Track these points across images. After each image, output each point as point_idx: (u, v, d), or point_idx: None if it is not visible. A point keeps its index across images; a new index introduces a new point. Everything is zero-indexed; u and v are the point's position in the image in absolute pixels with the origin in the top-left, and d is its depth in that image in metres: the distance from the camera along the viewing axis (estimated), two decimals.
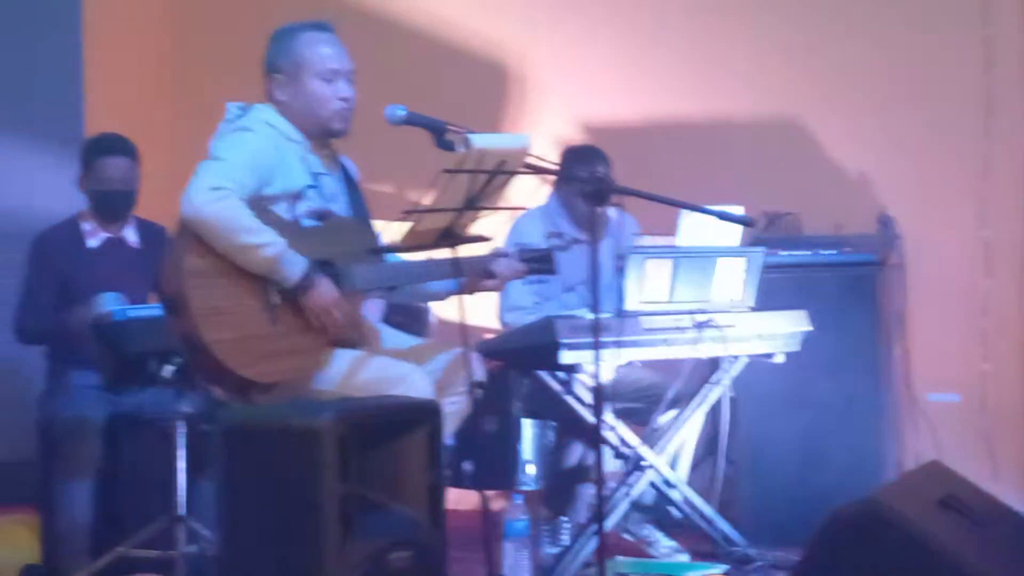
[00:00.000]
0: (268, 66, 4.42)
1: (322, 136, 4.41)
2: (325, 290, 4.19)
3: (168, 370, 4.74)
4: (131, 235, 5.46)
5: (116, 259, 5.38)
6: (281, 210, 4.28)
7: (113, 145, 5.41)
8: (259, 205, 4.19)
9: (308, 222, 4.32)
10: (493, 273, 4.47)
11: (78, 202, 5.45)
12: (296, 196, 4.31)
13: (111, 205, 5.39)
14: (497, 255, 4.51)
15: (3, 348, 5.51)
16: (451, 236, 4.18)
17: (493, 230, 4.38)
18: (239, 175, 4.14)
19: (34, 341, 5.39)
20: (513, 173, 4.13)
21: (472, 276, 4.45)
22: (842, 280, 5.50)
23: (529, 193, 4.28)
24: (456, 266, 4.30)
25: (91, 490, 5.01)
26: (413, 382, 4.18)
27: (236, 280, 4.12)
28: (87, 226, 5.41)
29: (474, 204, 4.14)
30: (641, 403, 5.33)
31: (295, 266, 4.15)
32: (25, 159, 6.16)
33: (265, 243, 4.11)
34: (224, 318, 4.09)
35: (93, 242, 5.40)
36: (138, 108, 6.20)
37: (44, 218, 5.54)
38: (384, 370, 4.24)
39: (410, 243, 4.19)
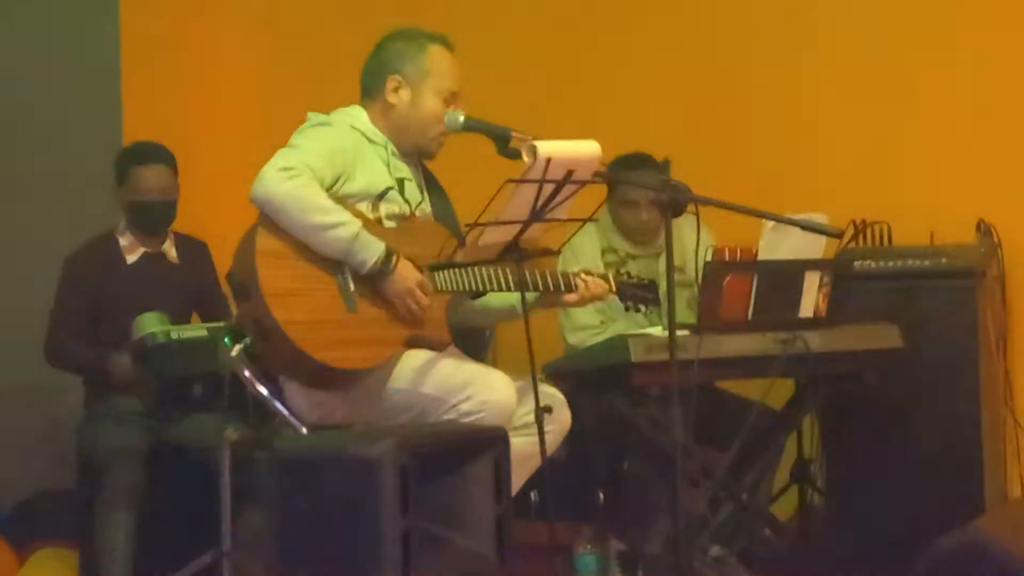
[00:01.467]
0: (386, 65, 4.51)
1: (412, 151, 4.52)
2: (407, 272, 4.24)
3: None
4: (171, 250, 5.51)
5: (155, 276, 5.43)
6: (362, 210, 4.35)
7: (150, 153, 5.45)
8: (339, 198, 4.27)
9: (388, 224, 4.39)
10: (574, 288, 4.48)
11: (114, 217, 5.51)
12: (379, 197, 4.38)
13: (150, 217, 5.43)
14: (584, 272, 4.55)
15: (40, 372, 5.57)
16: (516, 250, 4.21)
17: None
18: (314, 162, 4.23)
19: (64, 368, 5.45)
20: (583, 183, 4.16)
21: (553, 291, 4.48)
22: (937, 293, 5.46)
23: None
24: (545, 279, 4.36)
25: (133, 522, 5.07)
26: (492, 384, 4.24)
27: (311, 263, 4.20)
28: (124, 241, 5.45)
29: (541, 216, 4.17)
30: (721, 427, 5.33)
31: (372, 249, 4.20)
32: (65, 172, 6.26)
33: (339, 222, 4.17)
34: (297, 300, 4.17)
35: (131, 258, 5.44)
36: (175, 120, 6.25)
37: (83, 233, 5.61)
38: (462, 367, 4.31)
39: (472, 258, 4.23)
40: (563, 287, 4.48)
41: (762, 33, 6.32)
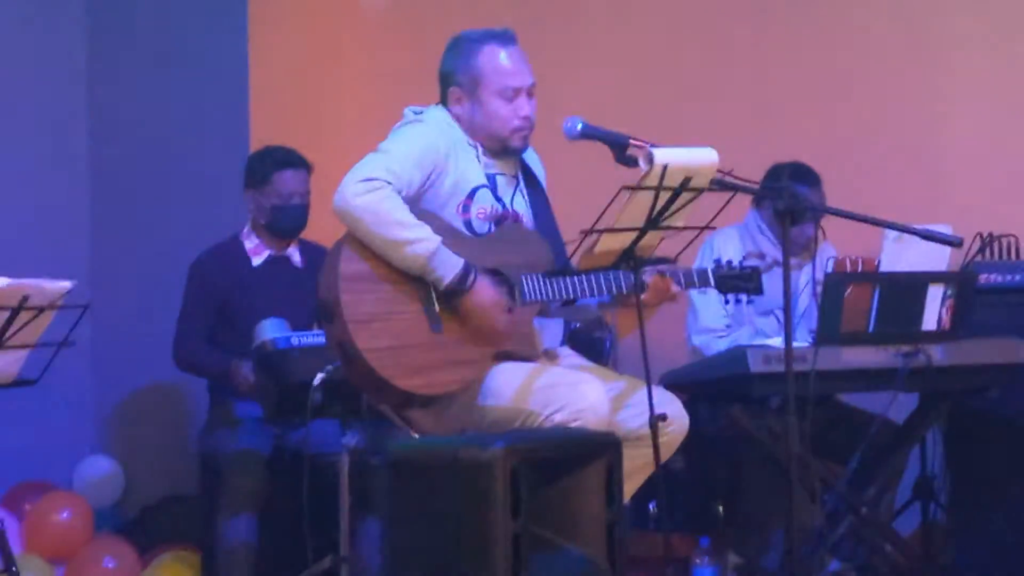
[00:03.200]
0: (444, 76, 4.46)
1: (499, 149, 4.44)
2: (484, 291, 4.19)
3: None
4: (295, 255, 5.56)
5: (280, 279, 5.48)
6: (451, 209, 4.32)
7: (291, 158, 5.50)
8: (423, 211, 4.24)
9: (480, 225, 4.36)
10: (645, 286, 4.35)
11: (243, 220, 5.58)
12: (469, 196, 4.35)
13: (291, 221, 5.48)
14: (659, 269, 4.38)
15: (164, 377, 5.65)
16: (632, 258, 4.19)
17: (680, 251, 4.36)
18: (401, 168, 4.19)
19: (191, 372, 5.52)
20: (700, 190, 4.13)
21: (626, 288, 4.34)
22: None
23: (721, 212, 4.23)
24: (617, 280, 4.28)
25: (255, 526, 5.12)
26: (584, 392, 4.16)
27: (396, 285, 4.17)
28: (250, 244, 5.52)
29: (657, 224, 4.15)
30: (841, 440, 5.28)
31: (450, 266, 4.16)
32: (193, 173, 6.35)
33: (417, 239, 4.13)
34: (380, 325, 4.14)
35: (257, 260, 5.51)
36: (300, 126, 6.31)
37: (210, 235, 5.70)
38: (553, 377, 4.24)
39: (588, 265, 4.21)
40: (634, 288, 4.39)
41: (892, 40, 6.25)
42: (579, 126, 4.32)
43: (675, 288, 4.39)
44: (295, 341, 4.92)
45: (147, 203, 6.39)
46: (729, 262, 4.67)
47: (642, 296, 4.27)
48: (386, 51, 6.93)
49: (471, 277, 4.18)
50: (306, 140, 5.79)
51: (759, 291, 4.57)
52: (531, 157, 4.58)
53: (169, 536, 5.88)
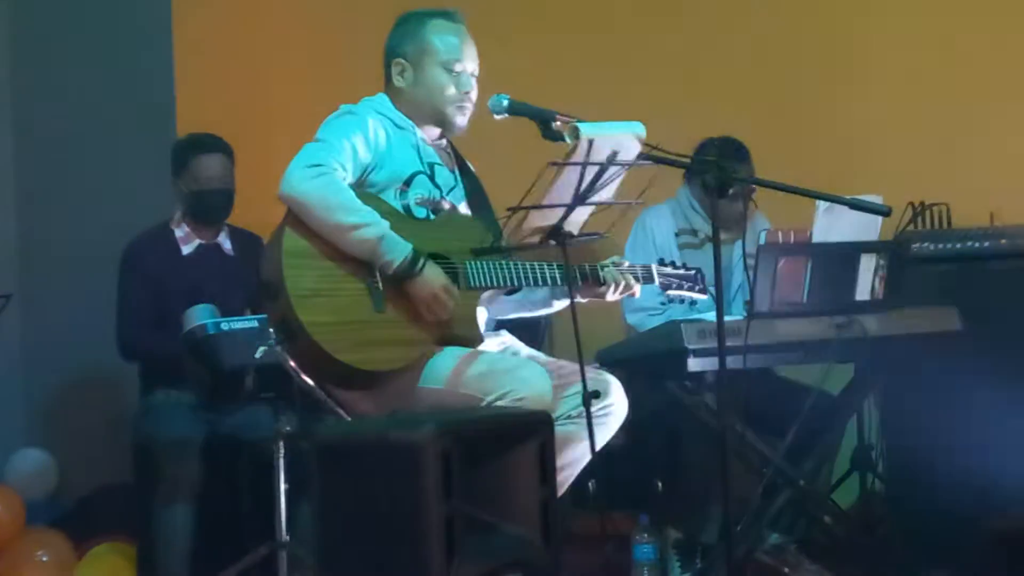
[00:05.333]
0: (390, 51, 4.47)
1: (438, 125, 4.45)
2: (433, 276, 4.18)
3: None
4: (226, 242, 5.52)
5: (211, 267, 5.45)
6: (389, 198, 4.31)
7: (209, 142, 5.48)
8: (366, 194, 4.23)
9: (419, 210, 4.34)
10: (604, 282, 4.44)
11: (170, 207, 5.53)
12: (406, 183, 4.34)
13: (211, 206, 5.45)
14: (615, 264, 4.47)
15: (94, 366, 5.60)
16: (560, 234, 4.16)
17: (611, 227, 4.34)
18: (340, 155, 4.19)
19: (140, 359, 5.46)
20: (627, 165, 4.11)
21: (587, 284, 4.43)
22: (997, 275, 5.39)
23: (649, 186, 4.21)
24: (578, 273, 4.31)
25: (190, 515, 5.08)
26: (526, 378, 4.16)
27: (339, 263, 4.15)
28: (180, 232, 5.47)
29: (585, 199, 4.12)
30: (778, 413, 5.27)
31: (398, 250, 4.15)
32: (120, 163, 6.28)
33: (365, 223, 4.12)
34: (323, 300, 4.12)
35: (187, 249, 5.46)
36: (227, 114, 6.26)
37: (140, 224, 5.63)
38: (491, 363, 4.23)
39: (515, 242, 4.18)
40: (594, 280, 4.41)
41: (818, 12, 6.25)
42: (505, 102, 4.30)
43: (636, 285, 4.46)
44: (225, 327, 4.88)
45: (76, 191, 6.32)
46: (673, 261, 4.70)
47: (600, 290, 4.40)
48: (316, 37, 6.89)
49: (421, 261, 4.17)
50: (233, 128, 5.74)
51: (704, 292, 4.58)
52: (469, 167, 4.59)
53: (105, 527, 5.82)
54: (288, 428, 4.75)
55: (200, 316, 4.91)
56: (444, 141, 4.53)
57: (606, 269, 4.44)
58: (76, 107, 6.37)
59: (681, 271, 4.64)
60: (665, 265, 4.62)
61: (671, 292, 4.61)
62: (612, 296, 4.49)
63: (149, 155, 5.95)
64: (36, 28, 6.50)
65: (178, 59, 6.32)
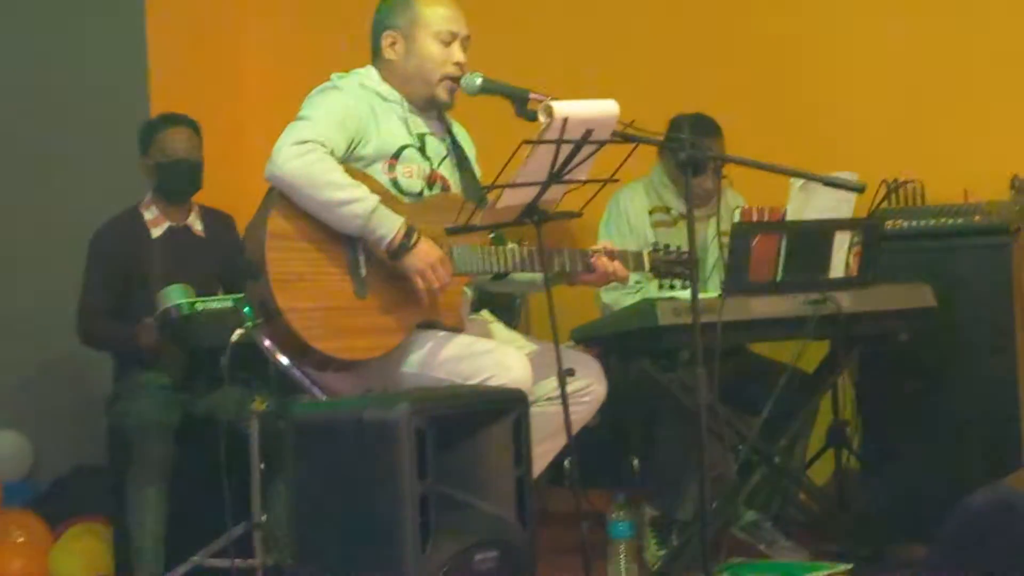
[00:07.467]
0: (380, 23, 4.48)
1: (426, 100, 4.45)
2: (428, 247, 4.15)
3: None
4: (196, 223, 5.49)
5: (181, 249, 5.42)
6: (377, 172, 4.29)
7: (172, 117, 5.46)
8: (354, 169, 4.21)
9: (410, 184, 4.33)
10: (593, 268, 4.44)
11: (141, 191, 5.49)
12: (394, 156, 4.33)
13: (177, 179, 5.40)
14: (603, 251, 4.48)
15: (69, 347, 5.57)
16: (535, 212, 4.15)
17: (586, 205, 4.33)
18: (326, 131, 4.17)
19: (94, 346, 5.44)
20: (601, 143, 4.09)
21: (574, 269, 4.43)
22: (971, 251, 5.38)
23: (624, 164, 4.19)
24: (563, 258, 4.33)
25: (164, 496, 5.07)
26: (506, 363, 4.15)
27: (323, 248, 4.13)
28: (149, 215, 5.44)
29: (560, 177, 4.11)
30: (753, 390, 5.27)
31: (391, 224, 4.12)
32: (91, 149, 6.25)
33: (354, 198, 4.10)
34: (304, 286, 4.10)
35: (156, 232, 5.43)
36: (199, 93, 6.24)
37: (111, 209, 5.60)
38: (470, 346, 4.23)
39: (490, 220, 4.17)
40: (582, 267, 4.42)
41: None
42: (478, 81, 4.31)
43: (623, 271, 4.48)
44: (199, 307, 4.88)
45: (45, 173, 6.28)
46: (667, 246, 4.70)
47: (590, 277, 4.42)
48: (288, 18, 6.87)
49: (416, 234, 4.14)
50: (206, 108, 5.72)
51: (691, 277, 4.58)
52: (462, 134, 4.61)
53: (81, 508, 5.81)
54: (262, 408, 4.74)
55: (174, 296, 4.90)
56: (435, 111, 4.52)
57: (598, 256, 4.44)
58: (45, 84, 6.32)
59: (673, 256, 4.65)
60: (657, 251, 4.64)
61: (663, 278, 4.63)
62: (593, 280, 4.52)
63: (120, 139, 5.88)
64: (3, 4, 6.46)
65: (151, 36, 6.27)
